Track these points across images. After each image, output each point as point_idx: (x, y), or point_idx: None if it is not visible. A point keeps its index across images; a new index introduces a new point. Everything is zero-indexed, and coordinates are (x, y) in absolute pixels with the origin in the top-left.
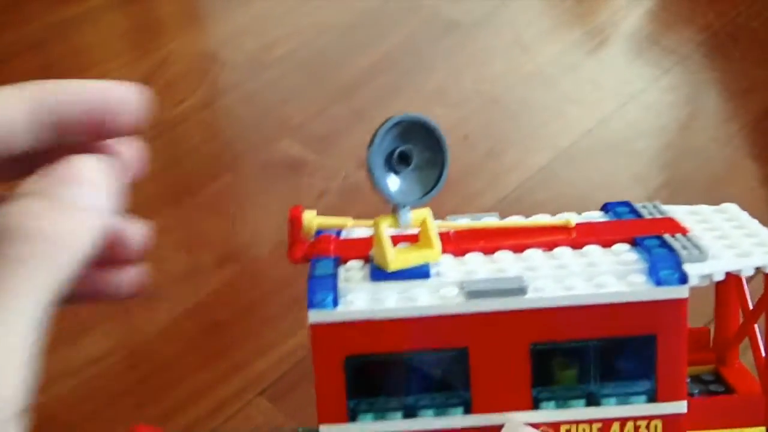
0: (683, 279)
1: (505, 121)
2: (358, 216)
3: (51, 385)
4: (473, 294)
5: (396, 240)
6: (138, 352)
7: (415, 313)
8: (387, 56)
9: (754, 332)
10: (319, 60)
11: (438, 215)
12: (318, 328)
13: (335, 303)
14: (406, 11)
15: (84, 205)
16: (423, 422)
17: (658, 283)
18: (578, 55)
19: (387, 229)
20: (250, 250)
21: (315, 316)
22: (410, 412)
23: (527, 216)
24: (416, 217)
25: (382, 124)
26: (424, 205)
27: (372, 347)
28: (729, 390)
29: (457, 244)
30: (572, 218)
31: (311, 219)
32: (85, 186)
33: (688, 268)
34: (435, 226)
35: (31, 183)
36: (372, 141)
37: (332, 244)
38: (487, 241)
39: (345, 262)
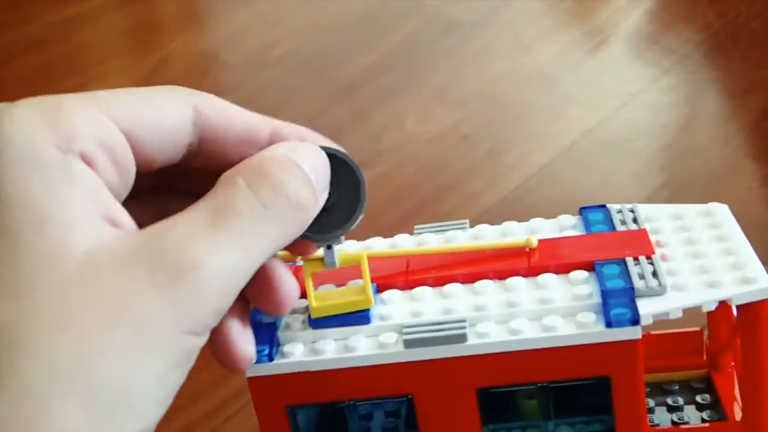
0: (635, 320)
1: (505, 121)
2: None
3: None
4: (412, 343)
5: (342, 276)
6: None
7: (354, 363)
8: (387, 56)
9: (738, 346)
10: (319, 60)
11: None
12: (255, 381)
13: (271, 356)
14: (406, 11)
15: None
16: None
17: (609, 324)
18: (578, 55)
19: (314, 272)
20: None
21: (252, 369)
22: None
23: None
24: (352, 258)
25: None
26: (339, 242)
27: (312, 397)
28: (716, 400)
29: (407, 275)
30: (535, 237)
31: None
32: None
33: (642, 304)
34: (368, 272)
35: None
36: None
37: None
38: (440, 270)
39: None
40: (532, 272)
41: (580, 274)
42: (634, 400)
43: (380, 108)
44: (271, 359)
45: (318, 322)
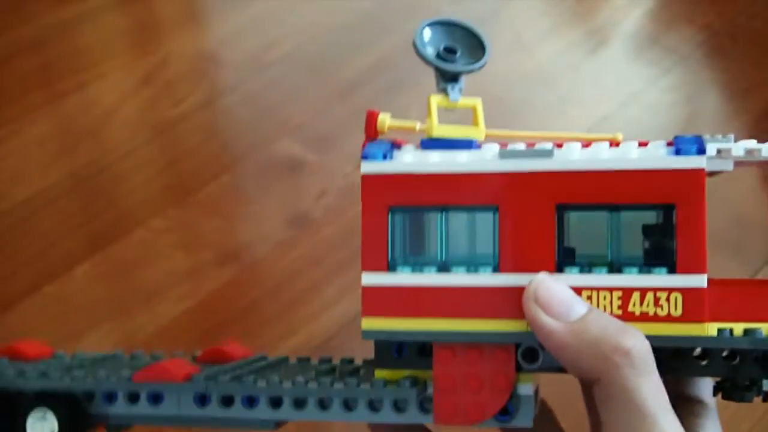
0: (701, 150)
1: (505, 121)
2: (358, 216)
3: None
4: (506, 153)
5: None
6: None
7: (453, 169)
8: (387, 56)
9: None
10: (319, 60)
11: None
12: (367, 179)
13: (385, 158)
14: (406, 11)
15: None
16: (454, 278)
17: (678, 152)
18: (578, 55)
19: (437, 105)
20: (249, 250)
21: (366, 167)
22: (444, 268)
23: None
24: (468, 102)
25: (422, 24)
26: (475, 71)
27: (413, 199)
28: None
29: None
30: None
31: (384, 119)
32: None
33: (709, 145)
34: (482, 114)
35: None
36: (416, 37)
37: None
38: (533, 140)
39: (400, 147)
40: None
41: (659, 143)
42: (696, 232)
43: (380, 108)
44: (385, 159)
45: (427, 144)
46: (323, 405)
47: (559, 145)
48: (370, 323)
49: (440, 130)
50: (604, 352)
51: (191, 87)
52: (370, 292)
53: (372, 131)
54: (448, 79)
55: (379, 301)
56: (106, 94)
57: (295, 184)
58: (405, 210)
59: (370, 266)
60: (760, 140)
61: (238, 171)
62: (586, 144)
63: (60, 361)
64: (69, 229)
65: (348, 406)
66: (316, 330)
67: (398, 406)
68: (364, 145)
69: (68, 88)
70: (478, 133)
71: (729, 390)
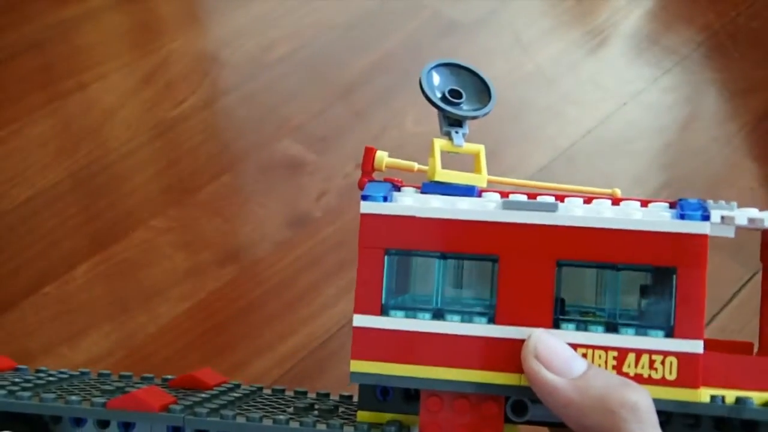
0: (705, 216)
1: (504, 121)
2: (358, 217)
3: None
4: (509, 204)
5: None
6: (138, 352)
7: (455, 216)
8: (387, 56)
9: None
10: (319, 60)
11: None
12: (366, 218)
13: (385, 199)
14: (406, 11)
15: None
16: (448, 326)
17: (682, 216)
18: (578, 55)
19: (440, 148)
20: (250, 250)
21: (366, 207)
22: (438, 315)
23: None
24: (471, 149)
25: (429, 65)
26: (477, 118)
27: (412, 243)
28: None
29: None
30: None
31: (382, 156)
32: None
33: (714, 212)
34: (484, 162)
35: None
36: (423, 77)
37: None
38: (533, 191)
39: (400, 189)
40: (615, 203)
41: (661, 204)
42: (696, 297)
43: (380, 108)
44: (385, 200)
45: (428, 188)
46: None
47: (559, 198)
48: (359, 366)
49: (442, 175)
50: (611, 407)
51: (191, 87)
52: (361, 334)
53: (369, 167)
54: (452, 122)
55: (370, 344)
56: (107, 94)
57: (295, 184)
58: (402, 253)
59: (362, 308)
60: (761, 140)
61: (239, 171)
62: (587, 200)
63: (23, 377)
64: (69, 229)
65: None
66: (316, 330)
67: None
68: (362, 184)
69: (68, 88)
70: (480, 180)
71: None
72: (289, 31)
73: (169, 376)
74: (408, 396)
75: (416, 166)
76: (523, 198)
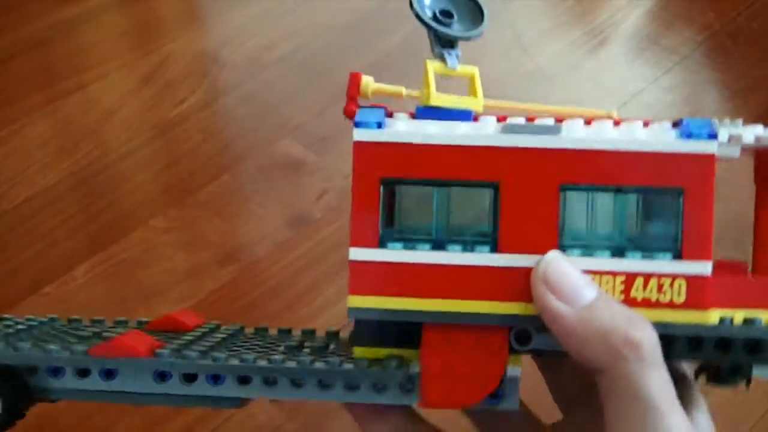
0: (713, 135)
1: None
2: None
3: None
4: (510, 128)
5: None
6: None
7: (452, 141)
8: (387, 56)
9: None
10: (319, 60)
11: None
12: (360, 146)
13: (379, 126)
14: (406, 11)
15: None
16: (449, 257)
17: (688, 135)
18: (578, 55)
19: (433, 71)
20: (250, 250)
21: (359, 134)
22: (438, 245)
23: None
24: (465, 70)
25: None
26: (472, 39)
27: (408, 171)
28: None
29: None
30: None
31: (368, 82)
32: None
33: (722, 130)
34: (479, 84)
35: None
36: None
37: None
38: (529, 114)
39: (391, 115)
40: (616, 124)
41: (665, 124)
42: (703, 218)
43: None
44: (379, 127)
45: (423, 114)
46: (296, 383)
47: (558, 120)
48: (357, 301)
49: (438, 99)
50: (613, 343)
51: (191, 87)
52: (357, 268)
53: (354, 93)
54: (444, 44)
55: (368, 278)
56: (106, 94)
57: (295, 184)
58: (399, 182)
59: (358, 241)
60: None
61: (238, 171)
62: (587, 122)
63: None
64: (69, 229)
65: (323, 384)
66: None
67: (379, 387)
68: (349, 112)
69: (68, 88)
70: (476, 103)
71: (714, 374)
72: (289, 31)
73: (145, 319)
74: (406, 330)
75: (404, 90)
76: (522, 121)
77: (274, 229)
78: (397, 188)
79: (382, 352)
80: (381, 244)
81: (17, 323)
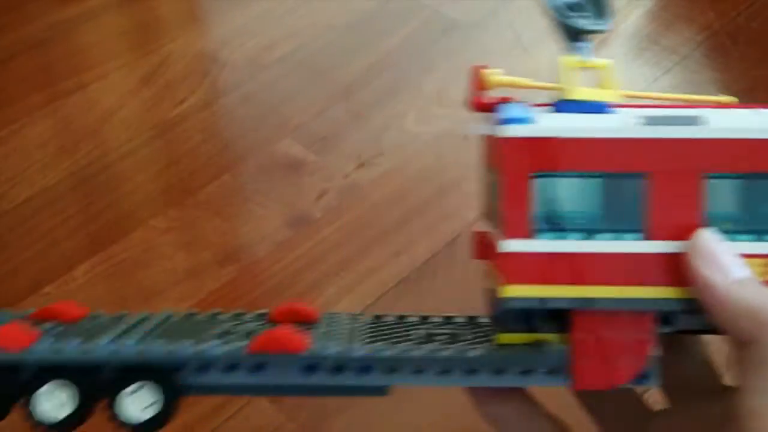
0: None
1: None
2: (358, 217)
3: None
4: (653, 120)
5: None
6: None
7: (601, 134)
8: (387, 56)
9: None
10: (319, 60)
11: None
12: (510, 143)
13: (527, 122)
14: (406, 11)
15: None
16: (600, 245)
17: None
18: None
19: (570, 66)
20: (250, 250)
21: (509, 130)
22: (589, 235)
23: None
24: (600, 62)
25: None
26: (603, 32)
27: (558, 164)
28: None
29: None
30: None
31: (494, 75)
32: None
33: None
34: (615, 77)
35: None
36: None
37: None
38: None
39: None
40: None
41: None
42: None
43: (380, 108)
44: (527, 122)
45: (563, 108)
46: (444, 371)
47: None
48: (513, 291)
49: (579, 93)
50: (764, 319)
51: (191, 87)
52: (512, 259)
53: (479, 87)
54: (574, 38)
55: (522, 268)
56: (106, 94)
57: (295, 184)
58: (548, 176)
59: (512, 233)
60: None
61: (238, 171)
62: (712, 107)
63: (114, 324)
64: (69, 229)
65: (471, 371)
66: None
67: (527, 371)
68: (478, 105)
69: (68, 88)
70: (614, 95)
71: None
72: (289, 31)
73: (263, 310)
74: (550, 315)
75: (533, 82)
76: (662, 112)
77: (274, 229)
78: (547, 181)
79: (524, 337)
80: (533, 235)
81: (141, 321)
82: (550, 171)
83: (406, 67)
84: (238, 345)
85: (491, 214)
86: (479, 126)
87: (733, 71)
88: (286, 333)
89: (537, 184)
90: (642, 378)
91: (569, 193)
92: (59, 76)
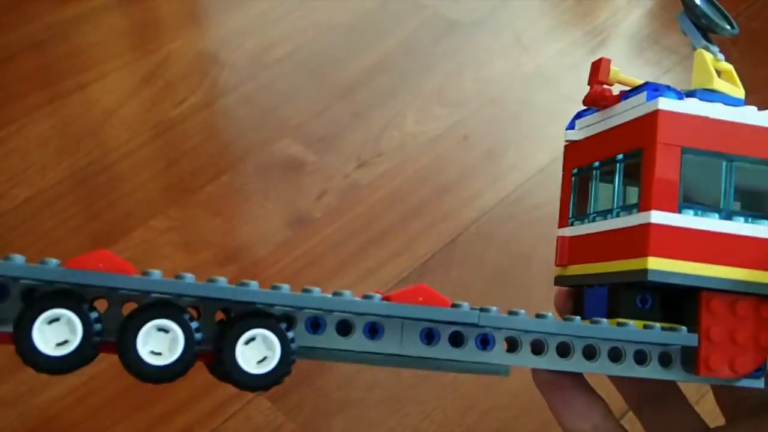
0: None
1: (504, 121)
2: (358, 217)
3: (50, 386)
4: None
5: None
6: None
7: (742, 120)
8: (387, 56)
9: None
10: (319, 60)
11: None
12: (665, 115)
13: (681, 98)
14: (406, 11)
15: None
16: (737, 227)
17: None
18: (578, 55)
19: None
20: (250, 250)
21: (664, 104)
22: (725, 216)
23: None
24: (726, 65)
25: None
26: (732, 35)
27: (705, 143)
28: None
29: None
30: None
31: (616, 71)
32: None
33: None
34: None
35: None
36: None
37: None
38: None
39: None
40: None
41: None
42: None
43: (380, 108)
44: (681, 98)
45: (706, 96)
46: (563, 353)
47: None
48: (657, 264)
49: (719, 84)
50: None
51: (191, 87)
52: (659, 231)
53: (604, 78)
54: (707, 37)
55: (667, 241)
56: (107, 94)
57: (295, 184)
58: (696, 153)
59: (660, 205)
60: None
61: (238, 171)
62: None
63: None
64: (70, 229)
65: (588, 355)
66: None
67: (665, 360)
68: (597, 93)
69: (68, 88)
70: (740, 93)
71: None
72: (289, 31)
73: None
74: (666, 302)
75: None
76: None
77: (274, 229)
78: (694, 158)
79: (639, 325)
80: (678, 209)
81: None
82: (697, 148)
83: (406, 67)
84: (374, 297)
85: (583, 210)
86: (583, 120)
87: None
88: (418, 291)
89: (685, 159)
90: (758, 372)
91: (713, 172)
92: (59, 76)
